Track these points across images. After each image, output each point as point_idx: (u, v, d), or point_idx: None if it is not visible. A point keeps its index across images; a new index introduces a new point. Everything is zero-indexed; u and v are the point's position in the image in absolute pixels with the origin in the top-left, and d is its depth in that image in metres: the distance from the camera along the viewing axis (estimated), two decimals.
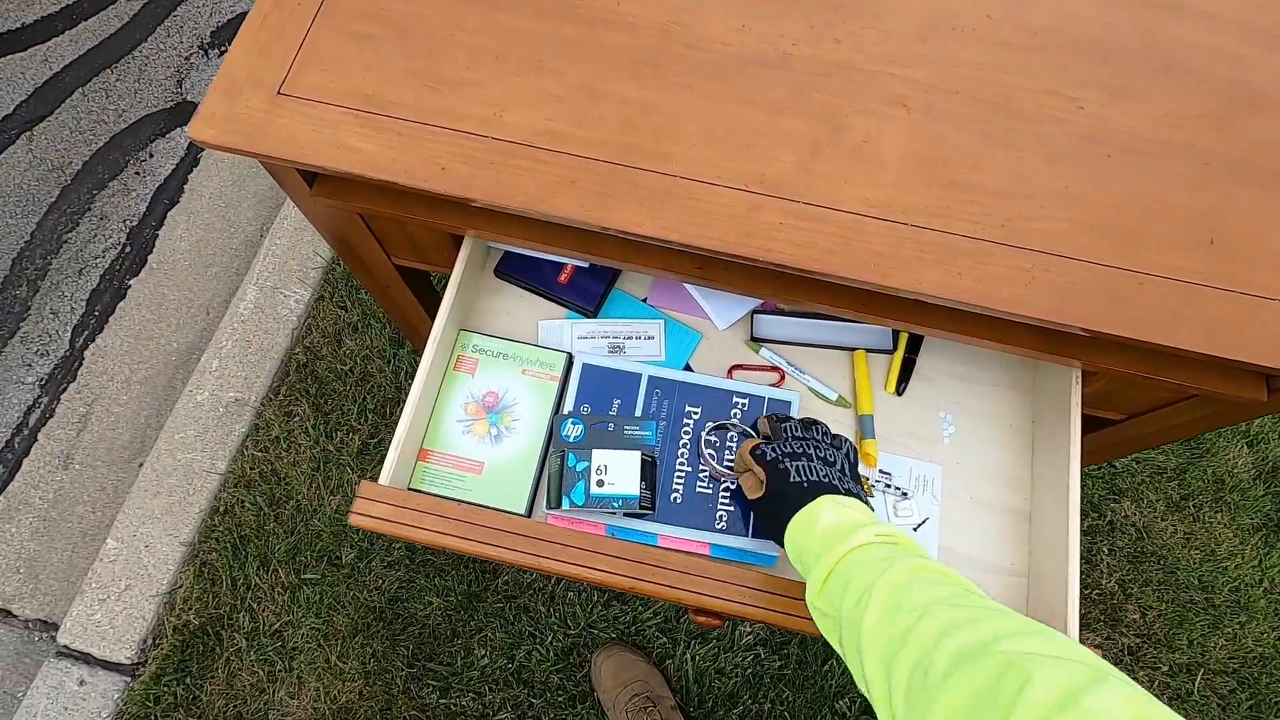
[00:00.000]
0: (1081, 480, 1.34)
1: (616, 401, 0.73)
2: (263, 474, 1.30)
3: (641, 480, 0.67)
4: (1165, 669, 1.23)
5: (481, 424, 0.73)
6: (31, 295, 1.51)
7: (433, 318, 0.75)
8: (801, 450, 0.62)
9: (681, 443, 0.72)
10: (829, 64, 0.65)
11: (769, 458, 0.62)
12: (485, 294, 0.81)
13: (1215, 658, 1.24)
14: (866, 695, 0.44)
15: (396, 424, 0.69)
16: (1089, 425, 0.84)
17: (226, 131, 0.61)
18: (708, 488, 0.71)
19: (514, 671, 1.19)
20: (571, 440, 0.70)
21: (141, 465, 1.34)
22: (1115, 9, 0.69)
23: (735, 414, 0.73)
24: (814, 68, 0.65)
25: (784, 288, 0.68)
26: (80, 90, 1.68)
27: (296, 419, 1.34)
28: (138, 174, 1.62)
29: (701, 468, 0.71)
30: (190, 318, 1.50)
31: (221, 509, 1.28)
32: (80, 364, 1.46)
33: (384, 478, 0.66)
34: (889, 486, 0.72)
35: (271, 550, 1.25)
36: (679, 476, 0.71)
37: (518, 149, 0.62)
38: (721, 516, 0.69)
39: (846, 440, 0.65)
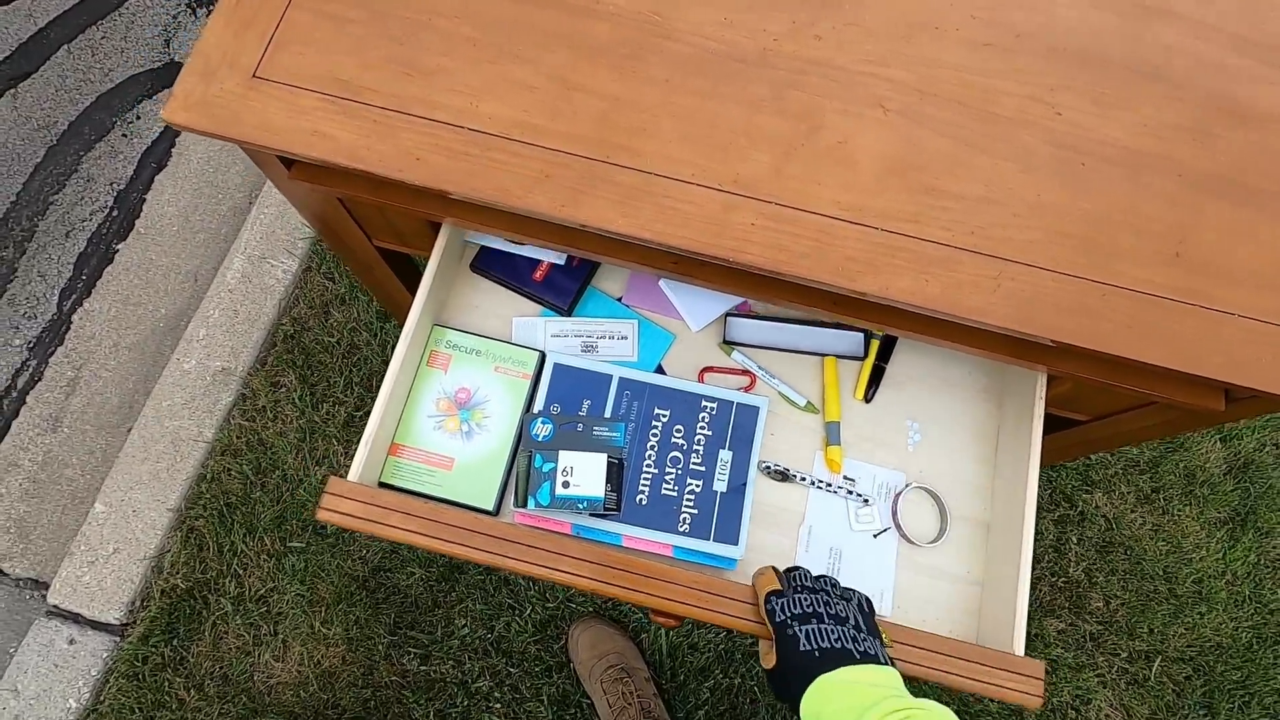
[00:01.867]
0: (1052, 474, 1.36)
1: (586, 402, 0.74)
2: (249, 443, 1.32)
3: (607, 483, 0.69)
4: (1124, 655, 1.27)
5: (453, 420, 0.74)
6: (18, 257, 1.51)
7: (415, 297, 0.75)
8: (810, 609, 0.57)
9: (650, 444, 0.73)
10: (809, 61, 0.65)
11: (777, 619, 0.57)
12: (461, 288, 0.82)
13: (1174, 646, 1.28)
14: None
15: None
16: (1056, 425, 0.85)
17: (201, 115, 0.61)
18: (673, 490, 0.72)
19: (493, 641, 1.22)
20: (540, 439, 0.71)
21: (130, 430, 1.36)
22: (1104, 11, 0.69)
23: (704, 417, 0.74)
24: (794, 65, 0.65)
25: (757, 286, 0.68)
26: (65, 47, 1.65)
27: (283, 389, 1.35)
28: (124, 136, 1.60)
29: (668, 470, 0.71)
30: (178, 285, 1.50)
31: (209, 476, 1.30)
32: (68, 328, 1.46)
33: (353, 474, 0.67)
34: (851, 493, 0.74)
35: (258, 518, 1.27)
36: (645, 478, 0.72)
37: (493, 140, 0.62)
38: (685, 519, 0.71)
39: (856, 591, 0.61)
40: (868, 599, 0.60)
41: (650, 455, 0.73)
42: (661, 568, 0.62)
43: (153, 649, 1.20)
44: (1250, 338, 0.59)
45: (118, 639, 1.22)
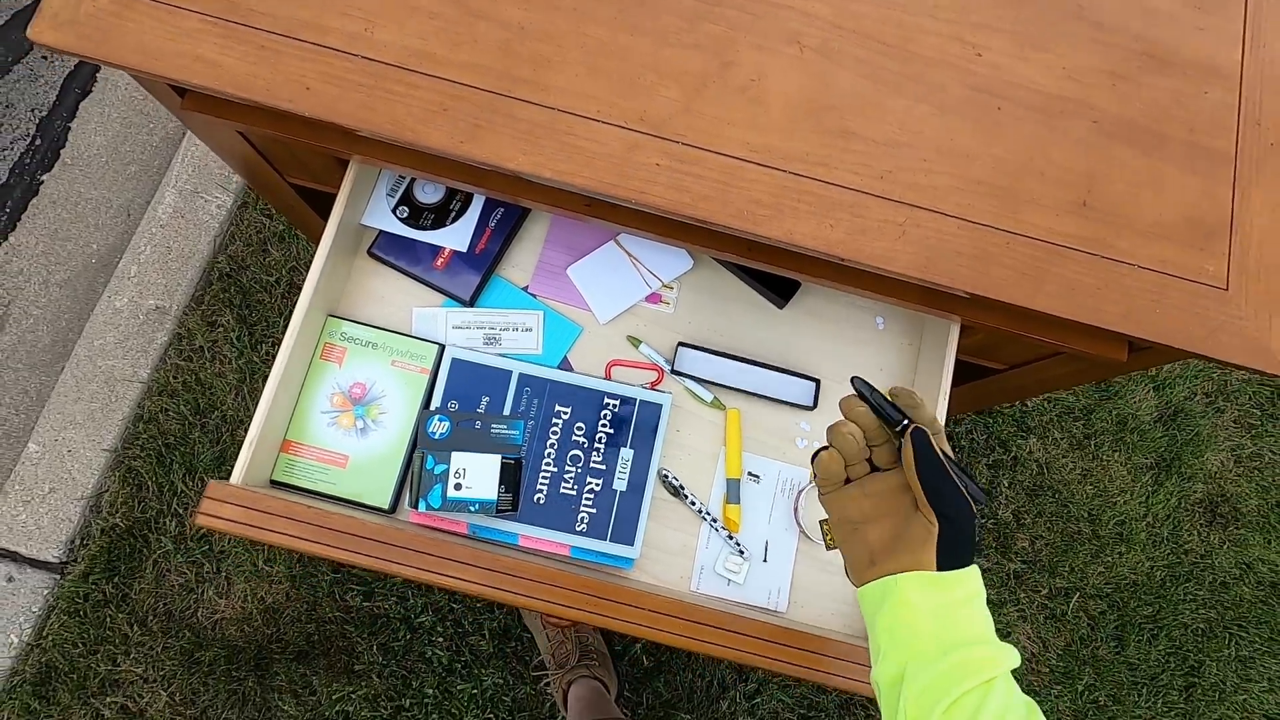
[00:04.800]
0: (989, 421, 1.39)
1: (485, 399, 0.72)
2: (186, 383, 1.30)
3: (500, 484, 0.68)
4: (1045, 592, 1.33)
5: (348, 416, 0.71)
6: None
7: (307, 278, 0.72)
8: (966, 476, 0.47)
9: (549, 443, 0.72)
10: None
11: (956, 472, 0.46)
12: (358, 276, 0.78)
13: (1092, 583, 1.34)
14: None
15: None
16: (975, 373, 0.86)
17: (71, 34, 0.57)
18: (572, 489, 0.71)
19: None
20: (437, 438, 0.69)
21: (62, 369, 1.33)
22: None
23: (605, 414, 0.72)
24: None
25: (671, 228, 0.67)
26: None
27: (220, 329, 1.33)
28: (44, 59, 1.51)
29: (568, 468, 0.71)
30: (109, 219, 1.45)
31: (145, 417, 1.28)
32: None
33: (236, 476, 0.65)
34: (732, 538, 0.72)
35: (197, 458, 1.26)
36: (544, 477, 0.71)
37: (388, 70, 0.59)
38: (583, 519, 0.70)
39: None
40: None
41: (550, 454, 0.71)
42: (551, 572, 0.62)
43: (94, 586, 1.20)
44: (1148, 288, 0.60)
45: (58, 577, 1.22)
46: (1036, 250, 0.60)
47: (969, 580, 0.46)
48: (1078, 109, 0.63)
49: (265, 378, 1.29)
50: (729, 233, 0.60)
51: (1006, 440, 1.39)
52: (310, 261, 1.35)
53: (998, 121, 0.62)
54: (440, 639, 1.22)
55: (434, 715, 1.19)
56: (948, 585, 0.45)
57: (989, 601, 1.34)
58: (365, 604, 1.23)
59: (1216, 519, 1.40)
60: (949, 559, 0.45)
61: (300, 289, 1.35)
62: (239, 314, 1.33)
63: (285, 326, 1.33)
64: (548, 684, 1.19)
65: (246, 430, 1.27)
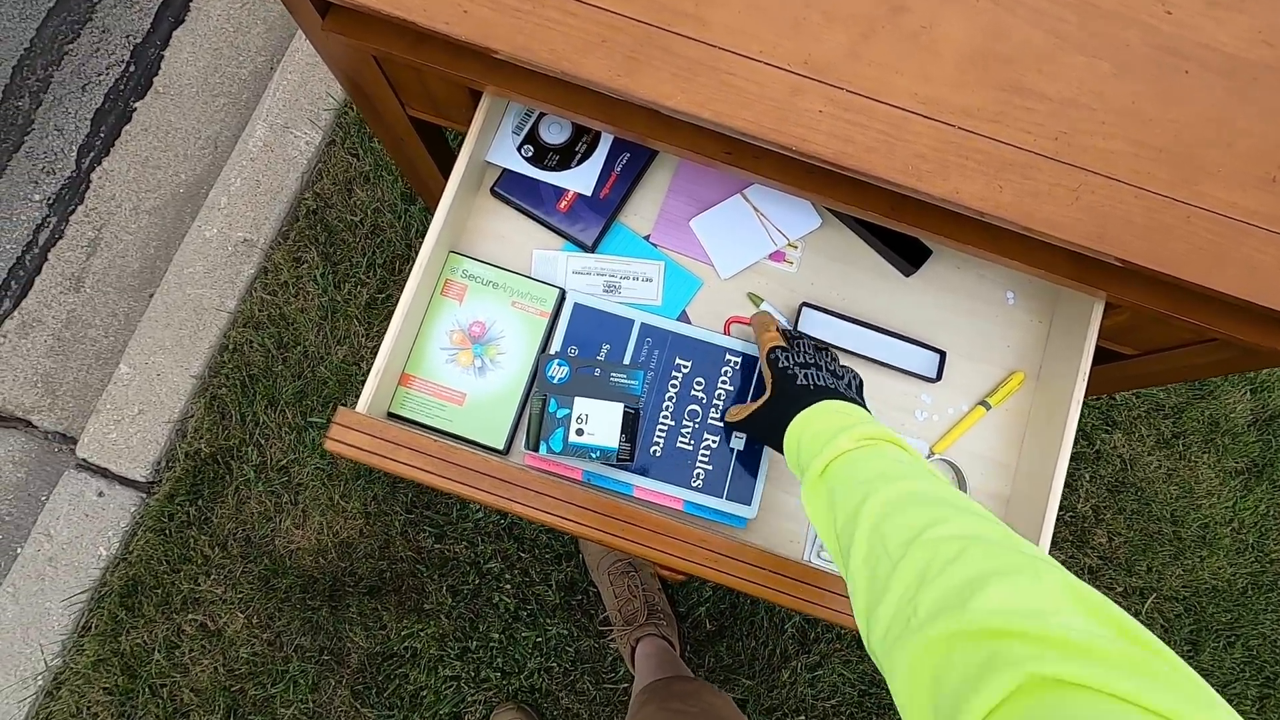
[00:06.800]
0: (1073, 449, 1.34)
1: (605, 346, 0.70)
2: (271, 317, 1.31)
3: (622, 433, 0.66)
4: (1120, 590, 1.30)
5: (466, 354, 0.71)
6: (34, 108, 1.46)
7: (446, 176, 0.72)
8: (813, 362, 0.63)
9: (668, 395, 0.70)
10: None
11: (780, 365, 0.62)
12: (479, 213, 0.76)
13: (1170, 585, 1.30)
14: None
15: (404, 286, 0.68)
16: (1100, 357, 0.83)
17: None
18: (689, 444, 0.70)
19: (506, 527, 1.26)
20: (556, 382, 0.68)
21: (152, 295, 1.35)
22: None
23: (726, 371, 0.71)
24: None
25: (814, 182, 0.64)
26: None
27: (305, 266, 1.34)
28: None
29: (685, 423, 0.70)
30: (198, 149, 1.46)
31: (230, 347, 1.30)
32: (87, 186, 1.44)
33: (362, 405, 0.64)
34: None
35: (279, 391, 1.29)
36: (661, 430, 0.70)
37: None
38: (699, 474, 0.69)
39: (852, 370, 0.64)
40: (860, 381, 0.64)
41: (668, 406, 0.70)
42: (669, 523, 0.61)
43: (178, 507, 1.24)
44: None
45: (144, 495, 1.26)
46: (1217, 225, 0.56)
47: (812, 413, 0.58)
48: (1271, 75, 0.58)
49: (346, 316, 1.31)
50: (882, 187, 0.58)
51: (1090, 433, 1.34)
52: (394, 204, 1.35)
53: (1183, 85, 0.58)
54: (508, 586, 1.24)
55: (499, 659, 1.21)
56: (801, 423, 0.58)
57: None
58: (436, 546, 1.25)
59: None
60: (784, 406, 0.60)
61: (383, 231, 1.36)
62: (323, 251, 1.34)
63: (368, 267, 1.34)
64: (612, 640, 1.20)
65: (326, 367, 1.29)
